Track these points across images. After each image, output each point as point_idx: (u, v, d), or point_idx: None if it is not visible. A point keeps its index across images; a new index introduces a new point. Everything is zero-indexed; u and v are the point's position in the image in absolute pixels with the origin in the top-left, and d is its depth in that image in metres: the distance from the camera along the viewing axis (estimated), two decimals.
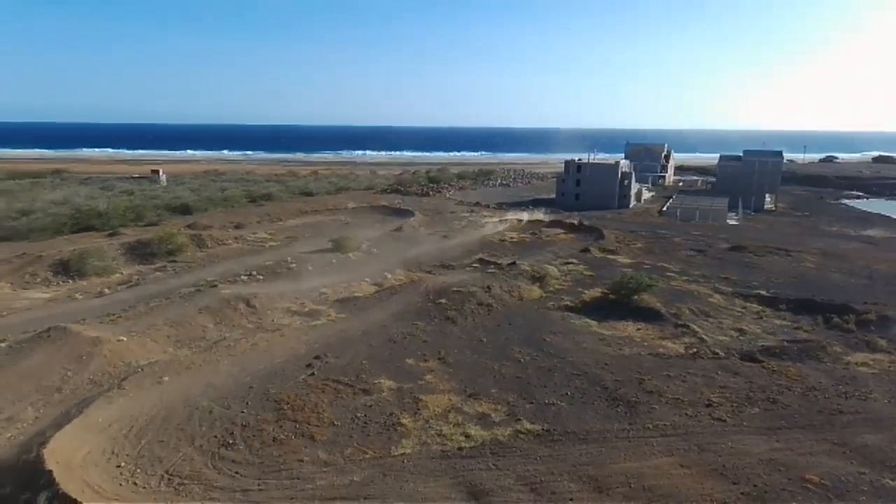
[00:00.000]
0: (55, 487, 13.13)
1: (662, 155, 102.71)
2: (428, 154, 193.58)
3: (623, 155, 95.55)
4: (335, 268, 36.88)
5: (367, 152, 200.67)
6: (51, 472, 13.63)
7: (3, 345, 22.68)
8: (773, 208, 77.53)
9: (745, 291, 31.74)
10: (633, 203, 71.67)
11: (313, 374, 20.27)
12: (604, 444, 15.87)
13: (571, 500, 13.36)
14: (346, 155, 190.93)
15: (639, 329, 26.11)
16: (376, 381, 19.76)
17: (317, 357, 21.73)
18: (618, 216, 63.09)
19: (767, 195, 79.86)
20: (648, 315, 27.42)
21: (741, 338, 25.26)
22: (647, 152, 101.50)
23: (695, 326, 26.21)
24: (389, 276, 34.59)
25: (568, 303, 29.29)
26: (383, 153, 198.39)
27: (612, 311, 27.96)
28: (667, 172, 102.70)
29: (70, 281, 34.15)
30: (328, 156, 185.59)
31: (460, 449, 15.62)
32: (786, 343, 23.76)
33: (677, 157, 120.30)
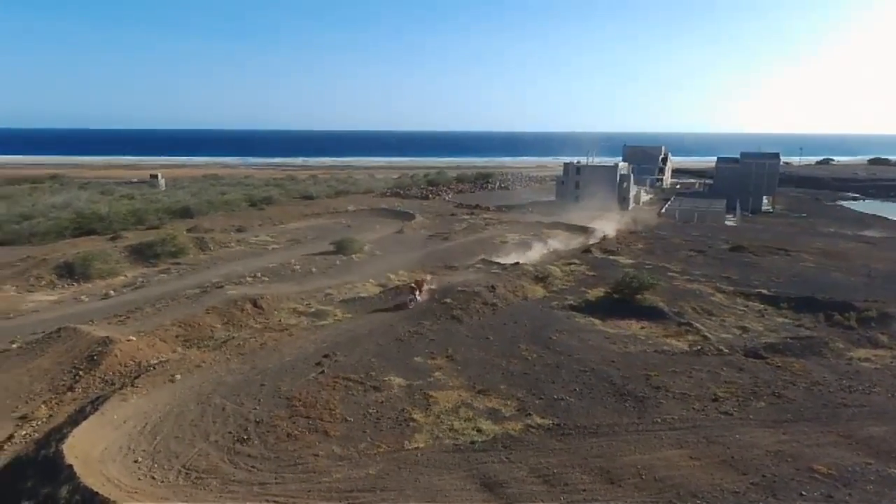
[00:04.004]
0: (76, 481, 13.28)
1: (660, 157, 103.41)
2: (425, 158, 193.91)
3: (621, 157, 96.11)
4: (339, 269, 37.12)
5: (366, 157, 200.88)
6: (71, 466, 13.78)
7: (14, 346, 22.85)
8: (771, 210, 78.18)
9: (746, 290, 32.08)
10: (631, 205, 72.15)
11: (323, 371, 20.45)
12: (614, 437, 16.10)
13: (584, 490, 13.57)
14: (344, 159, 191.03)
15: (643, 327, 26.38)
16: (386, 379, 19.95)
17: (326, 355, 21.90)
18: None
19: (765, 197, 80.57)
20: (652, 313, 27.69)
21: (744, 335, 25.56)
22: (644, 155, 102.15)
23: (698, 324, 26.50)
24: (393, 276, 34.82)
25: (572, 302, 29.56)
26: (381, 158, 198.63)
27: (616, 310, 28.22)
28: (664, 175, 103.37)
29: (75, 283, 34.30)
30: (326, 160, 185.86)
31: (472, 443, 15.82)
32: (789, 340, 24.05)
33: (674, 160, 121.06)
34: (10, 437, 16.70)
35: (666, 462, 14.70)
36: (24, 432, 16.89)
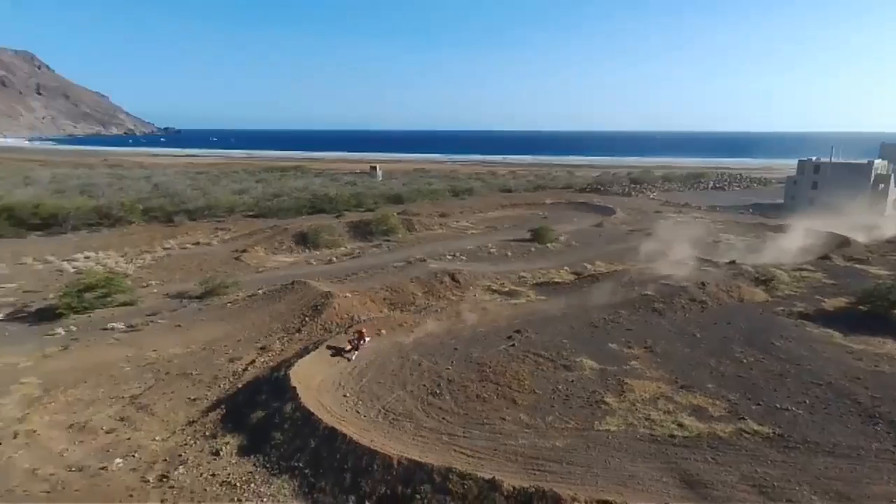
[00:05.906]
0: (298, 401, 15.21)
1: None
2: (629, 158, 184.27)
3: (877, 157, 79.71)
4: (534, 255, 37.03)
5: (565, 156, 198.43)
6: (294, 388, 15.84)
7: (260, 292, 27.19)
8: None
9: None
10: (889, 210, 59.39)
11: (514, 345, 20.48)
12: (857, 461, 13.19)
13: None
14: (543, 157, 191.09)
15: None
16: (577, 360, 19.20)
17: (517, 331, 21.93)
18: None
19: None
20: None
21: None
22: None
23: None
24: (589, 266, 33.55)
25: (802, 309, 25.21)
26: (581, 157, 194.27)
27: (863, 325, 23.28)
28: None
29: (307, 250, 39.73)
30: (526, 158, 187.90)
31: (672, 436, 14.32)
32: None
33: None
34: (253, 361, 19.83)
35: None
36: (262, 359, 19.92)
